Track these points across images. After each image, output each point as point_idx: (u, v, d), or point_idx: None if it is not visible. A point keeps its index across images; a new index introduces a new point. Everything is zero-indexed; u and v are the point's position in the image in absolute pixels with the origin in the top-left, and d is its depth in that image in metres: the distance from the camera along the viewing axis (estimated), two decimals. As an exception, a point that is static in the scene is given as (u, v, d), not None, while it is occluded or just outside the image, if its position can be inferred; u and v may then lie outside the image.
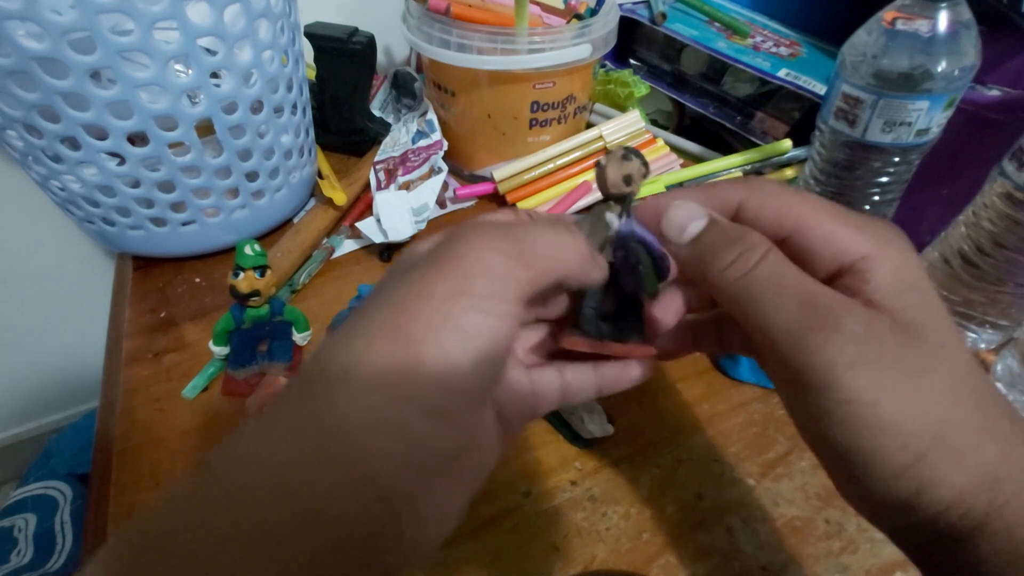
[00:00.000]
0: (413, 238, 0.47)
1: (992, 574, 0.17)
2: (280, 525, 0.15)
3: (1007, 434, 0.17)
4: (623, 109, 0.60)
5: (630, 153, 0.21)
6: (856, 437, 0.17)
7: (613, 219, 0.22)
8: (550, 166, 0.53)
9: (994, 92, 0.42)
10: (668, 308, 0.23)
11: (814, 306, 0.17)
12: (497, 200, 0.55)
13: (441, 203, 0.54)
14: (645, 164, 0.21)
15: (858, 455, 0.17)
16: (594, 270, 0.20)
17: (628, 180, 0.21)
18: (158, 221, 0.42)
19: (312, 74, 0.56)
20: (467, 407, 0.17)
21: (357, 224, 0.47)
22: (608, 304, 0.22)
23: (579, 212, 0.43)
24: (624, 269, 0.22)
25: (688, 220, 0.20)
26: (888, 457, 0.17)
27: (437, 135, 0.53)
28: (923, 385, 0.17)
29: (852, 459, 0.17)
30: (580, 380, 0.22)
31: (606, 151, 0.21)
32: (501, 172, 0.53)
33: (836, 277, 0.19)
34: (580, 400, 0.23)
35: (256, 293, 0.34)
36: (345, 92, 0.55)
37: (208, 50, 0.36)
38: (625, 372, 0.22)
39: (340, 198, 0.49)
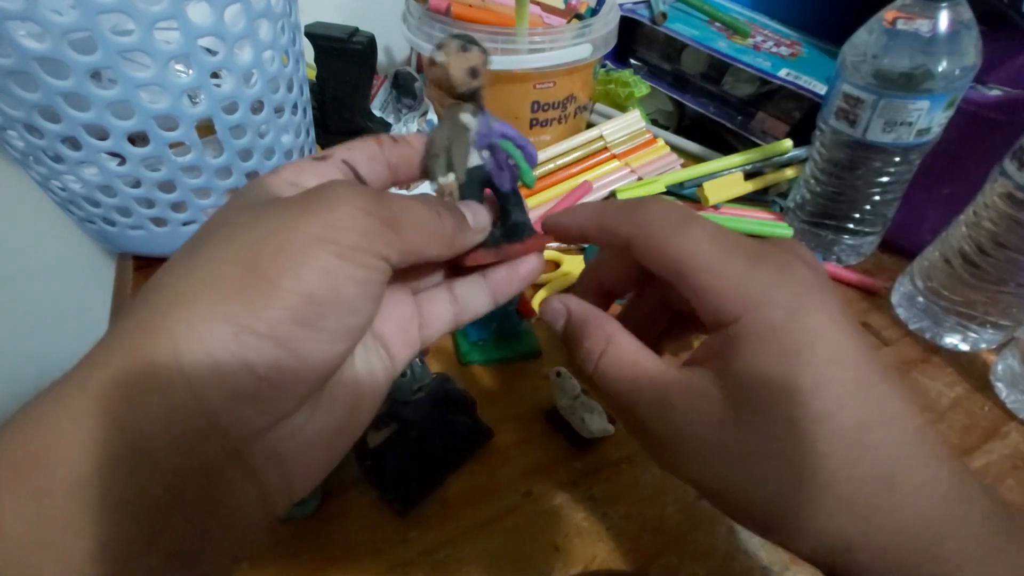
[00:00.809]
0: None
1: None
2: (96, 471, 0.13)
3: (849, 499, 0.16)
4: (623, 109, 0.60)
5: (467, 43, 0.20)
6: (715, 505, 0.19)
7: (470, 120, 0.21)
8: (551, 166, 0.53)
9: (995, 92, 0.42)
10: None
11: (642, 392, 0.19)
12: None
13: (441, 203, 0.54)
14: (484, 51, 0.20)
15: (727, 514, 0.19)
16: (458, 249, 0.20)
17: (474, 73, 0.20)
18: (159, 221, 0.42)
19: (312, 74, 0.56)
20: (322, 347, 0.16)
21: (357, 224, 0.47)
22: (493, 209, 0.22)
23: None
24: (496, 168, 0.21)
25: (554, 318, 0.22)
26: (742, 522, 0.19)
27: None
28: (751, 466, 0.17)
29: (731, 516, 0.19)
30: (471, 293, 0.22)
31: (439, 46, 0.20)
32: (501, 172, 0.53)
33: (719, 328, 0.18)
34: (476, 316, 0.22)
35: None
36: (345, 92, 0.55)
37: (208, 50, 0.36)
38: (515, 272, 0.22)
39: (340, 198, 0.49)
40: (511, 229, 0.22)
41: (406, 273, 0.20)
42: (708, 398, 0.18)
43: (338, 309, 0.16)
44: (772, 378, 0.17)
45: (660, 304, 0.23)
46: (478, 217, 0.21)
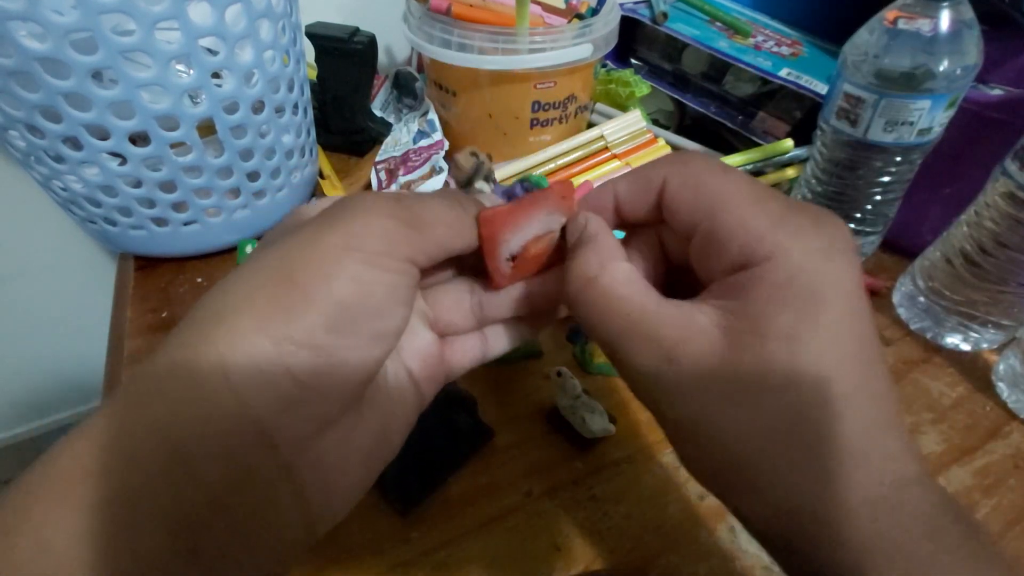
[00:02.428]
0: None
1: None
2: (141, 484, 0.14)
3: (821, 461, 0.16)
4: (624, 109, 0.60)
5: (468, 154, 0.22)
6: (680, 451, 0.19)
7: (484, 187, 0.23)
8: (551, 166, 0.53)
9: (996, 91, 0.42)
10: None
11: (626, 327, 0.18)
12: (498, 200, 0.55)
13: (442, 203, 0.54)
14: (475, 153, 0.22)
15: (688, 467, 0.19)
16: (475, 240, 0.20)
17: (474, 153, 0.23)
18: (160, 221, 0.42)
19: (313, 74, 0.56)
20: (358, 353, 0.16)
21: (358, 224, 0.47)
22: None
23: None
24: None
25: (573, 230, 0.20)
26: (706, 481, 0.18)
27: (438, 135, 0.53)
28: (740, 419, 0.16)
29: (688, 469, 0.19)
30: (498, 332, 0.23)
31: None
32: (502, 172, 0.52)
33: (741, 271, 0.17)
34: (503, 352, 0.23)
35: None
36: (346, 92, 0.55)
37: (209, 50, 0.36)
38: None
39: (341, 198, 0.49)
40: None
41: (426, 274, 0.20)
42: (706, 335, 0.17)
43: (370, 314, 0.16)
44: (788, 322, 0.16)
45: (656, 259, 0.22)
46: (494, 201, 0.21)
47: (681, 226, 0.19)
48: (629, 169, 0.52)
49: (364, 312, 0.16)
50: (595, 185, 0.51)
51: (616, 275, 0.18)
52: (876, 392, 0.17)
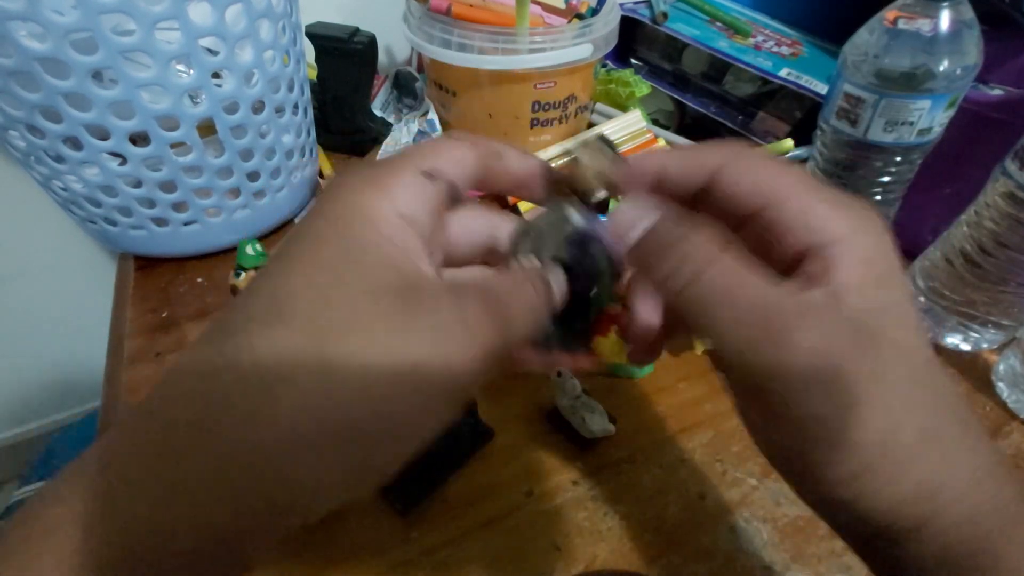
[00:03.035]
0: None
1: (917, 572, 0.18)
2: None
3: (956, 440, 0.17)
4: (624, 109, 0.60)
5: (606, 145, 0.20)
6: (805, 448, 0.17)
7: (576, 216, 0.21)
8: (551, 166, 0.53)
9: (996, 91, 0.42)
10: (647, 314, 0.23)
11: (767, 319, 0.16)
12: (498, 200, 0.55)
13: (442, 203, 0.54)
14: (619, 157, 0.20)
15: (806, 465, 0.17)
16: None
17: (601, 178, 0.20)
18: (160, 221, 0.42)
19: (313, 74, 0.56)
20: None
21: (358, 224, 0.47)
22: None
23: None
24: (579, 270, 0.20)
25: (634, 220, 0.18)
26: (833, 469, 0.17)
27: (438, 135, 0.53)
28: (874, 396, 0.16)
29: (799, 468, 0.18)
30: None
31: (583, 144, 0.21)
32: (502, 172, 0.52)
33: (804, 257, 0.17)
34: None
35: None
36: (346, 92, 0.55)
37: (209, 50, 0.36)
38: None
39: (341, 198, 0.49)
40: (568, 336, 0.21)
41: None
42: (830, 321, 0.16)
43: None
44: (875, 301, 0.17)
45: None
46: (559, 288, 0.20)
47: (739, 210, 0.19)
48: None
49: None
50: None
51: (730, 265, 0.17)
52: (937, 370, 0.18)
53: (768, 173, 0.19)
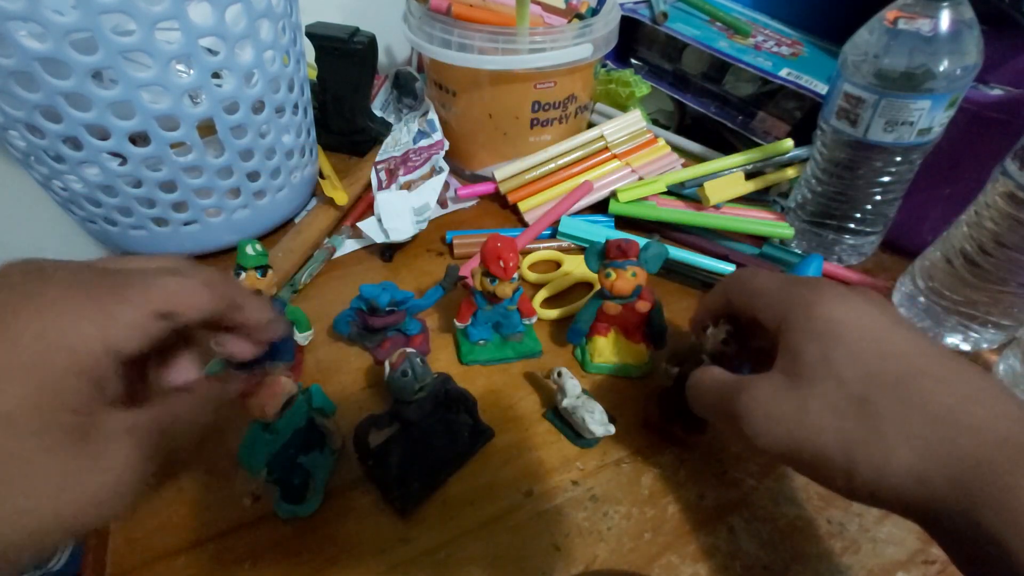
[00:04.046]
0: (414, 238, 0.47)
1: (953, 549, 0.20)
2: None
3: (907, 436, 0.20)
4: (624, 109, 0.60)
5: (722, 326, 0.30)
6: (793, 465, 0.24)
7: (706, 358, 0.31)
8: (551, 166, 0.53)
9: (996, 91, 0.42)
10: None
11: (721, 390, 0.26)
12: (498, 200, 0.55)
13: (442, 203, 0.54)
14: (729, 333, 0.30)
15: (810, 474, 0.23)
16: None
17: (726, 342, 0.30)
18: (160, 221, 0.42)
19: (313, 74, 0.56)
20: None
21: (358, 224, 0.47)
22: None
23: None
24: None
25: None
26: (828, 484, 0.22)
27: (438, 135, 0.53)
28: (814, 421, 0.22)
29: (813, 477, 0.23)
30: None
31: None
32: (502, 172, 0.53)
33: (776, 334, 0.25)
34: None
35: (258, 293, 0.34)
36: (346, 92, 0.55)
37: (210, 50, 0.36)
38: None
39: (341, 198, 0.49)
40: (686, 420, 0.33)
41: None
42: (772, 380, 0.24)
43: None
44: (813, 355, 0.23)
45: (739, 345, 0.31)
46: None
47: (743, 315, 0.28)
48: (629, 170, 0.53)
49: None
50: (595, 186, 0.51)
51: (711, 372, 0.28)
52: (936, 371, 0.21)
53: (745, 287, 0.28)
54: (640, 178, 0.52)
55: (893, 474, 0.20)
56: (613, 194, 0.51)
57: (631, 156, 0.54)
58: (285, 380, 0.27)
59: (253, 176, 0.43)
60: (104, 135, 0.36)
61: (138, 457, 0.18)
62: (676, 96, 0.61)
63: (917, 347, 0.22)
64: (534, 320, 0.39)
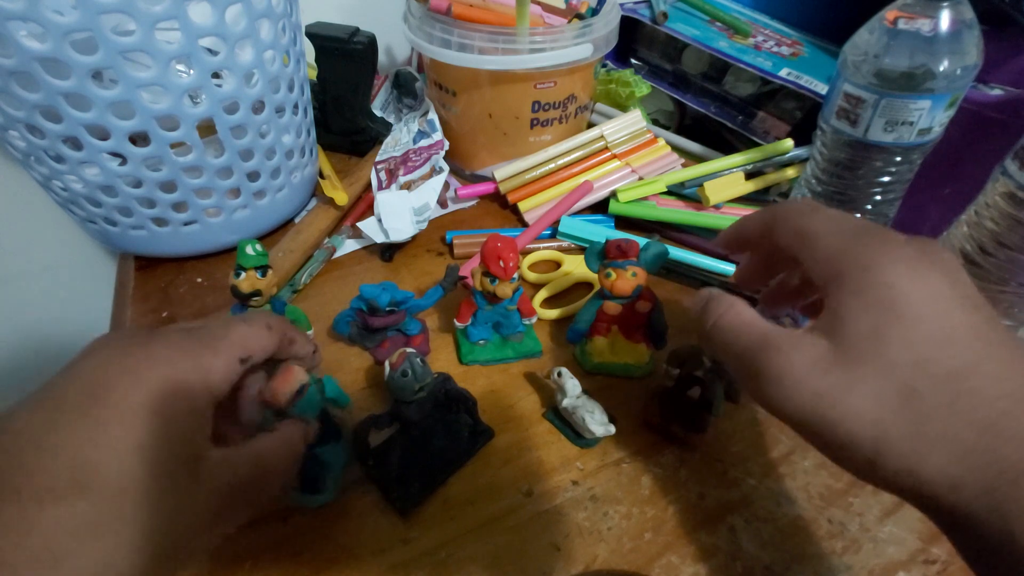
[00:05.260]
0: (414, 238, 0.47)
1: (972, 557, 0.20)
2: None
3: (947, 439, 0.18)
4: (624, 109, 0.60)
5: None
6: (810, 438, 0.21)
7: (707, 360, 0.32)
8: (551, 166, 0.53)
9: (997, 91, 0.42)
10: None
11: (751, 339, 0.22)
12: (498, 200, 0.55)
13: (442, 203, 0.54)
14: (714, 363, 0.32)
15: (855, 463, 0.20)
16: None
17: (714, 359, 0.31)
18: (160, 221, 0.42)
19: (313, 74, 0.56)
20: None
21: (358, 224, 0.47)
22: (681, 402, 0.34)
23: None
24: (704, 389, 0.33)
25: (695, 303, 0.26)
26: (845, 465, 0.20)
27: (438, 135, 0.53)
28: (853, 402, 0.19)
29: (851, 467, 0.21)
30: None
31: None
32: (502, 172, 0.53)
33: (825, 290, 0.22)
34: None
35: (258, 293, 0.34)
36: (346, 92, 0.55)
37: (210, 50, 0.36)
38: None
39: (341, 198, 0.49)
40: (687, 420, 0.34)
41: None
42: (813, 345, 0.21)
43: None
44: (865, 328, 0.20)
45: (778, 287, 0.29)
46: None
47: (786, 252, 0.24)
48: (629, 170, 0.53)
49: None
50: (595, 186, 0.51)
51: (740, 310, 0.24)
52: (990, 369, 0.19)
53: (796, 222, 0.24)
54: (640, 178, 0.52)
55: (924, 475, 0.19)
56: (613, 194, 0.51)
57: (631, 156, 0.54)
58: (297, 370, 0.27)
59: (253, 176, 0.43)
60: (104, 135, 0.36)
61: (234, 484, 0.22)
62: (676, 96, 0.61)
63: (978, 334, 0.19)
64: (534, 320, 0.39)
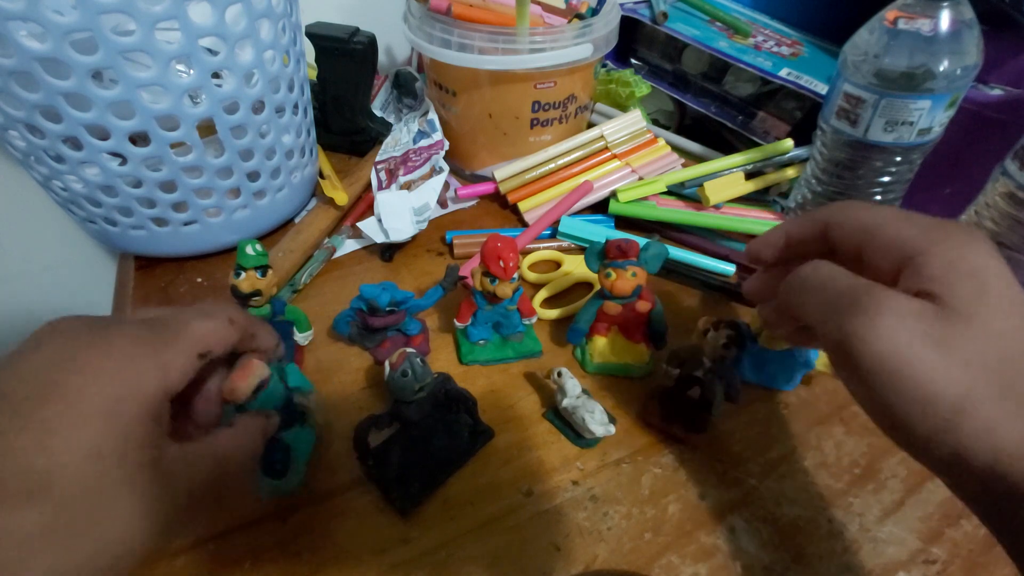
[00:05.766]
0: (414, 238, 0.47)
1: None
2: None
3: None
4: (624, 109, 0.60)
5: (723, 330, 0.32)
6: (885, 402, 0.20)
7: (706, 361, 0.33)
8: (551, 166, 0.53)
9: (996, 91, 0.42)
10: None
11: (841, 292, 0.21)
12: (498, 200, 0.55)
13: (442, 203, 0.54)
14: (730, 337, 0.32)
15: (895, 419, 0.20)
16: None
17: (727, 347, 0.31)
18: (160, 221, 0.42)
19: (313, 74, 0.56)
20: None
21: (358, 224, 0.47)
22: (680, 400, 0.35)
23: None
24: (704, 389, 0.33)
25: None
26: (916, 422, 0.19)
27: (438, 135, 0.53)
28: (950, 359, 0.19)
29: (891, 423, 0.20)
30: None
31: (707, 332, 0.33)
32: (502, 172, 0.53)
33: (901, 272, 0.22)
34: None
35: (258, 293, 0.33)
36: (346, 92, 0.55)
37: (210, 50, 0.36)
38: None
39: (341, 198, 0.49)
40: (687, 417, 0.34)
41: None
42: (911, 300, 0.20)
43: None
44: (968, 290, 0.20)
45: None
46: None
47: (848, 248, 0.24)
48: (629, 170, 0.53)
49: None
50: (595, 186, 0.51)
51: (826, 266, 0.23)
52: None
53: (863, 216, 0.24)
54: (640, 178, 0.52)
55: (1001, 439, 0.18)
56: (613, 194, 0.51)
57: (631, 156, 0.54)
58: (257, 364, 0.27)
59: (253, 176, 0.43)
60: (104, 135, 0.36)
61: (193, 483, 0.21)
62: (676, 96, 0.61)
63: None
64: (534, 320, 0.39)
